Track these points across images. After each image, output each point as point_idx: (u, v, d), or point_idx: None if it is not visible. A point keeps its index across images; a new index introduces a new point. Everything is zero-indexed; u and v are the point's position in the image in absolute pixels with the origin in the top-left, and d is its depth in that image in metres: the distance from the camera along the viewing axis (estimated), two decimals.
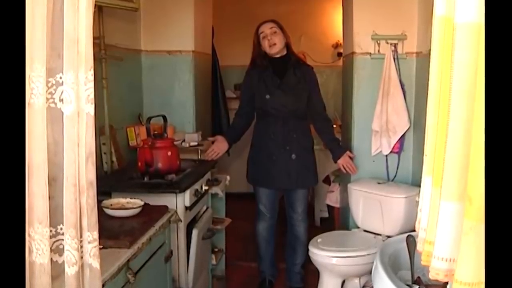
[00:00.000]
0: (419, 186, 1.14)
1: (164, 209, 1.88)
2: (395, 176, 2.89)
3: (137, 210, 1.77)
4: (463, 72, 0.89)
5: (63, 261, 1.10)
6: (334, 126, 3.11)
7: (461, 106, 0.90)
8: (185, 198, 2.08)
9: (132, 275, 1.45)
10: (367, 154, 2.89)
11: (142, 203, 1.81)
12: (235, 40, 4.42)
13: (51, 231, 1.08)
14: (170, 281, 1.94)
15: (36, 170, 1.03)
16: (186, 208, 2.10)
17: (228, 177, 2.81)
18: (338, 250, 2.45)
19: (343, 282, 2.54)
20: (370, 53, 2.85)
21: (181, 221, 2.01)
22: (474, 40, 0.86)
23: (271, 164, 2.65)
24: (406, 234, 1.94)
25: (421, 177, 1.09)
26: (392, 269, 1.77)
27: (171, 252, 1.94)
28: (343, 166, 2.75)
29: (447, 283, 1.01)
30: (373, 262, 1.94)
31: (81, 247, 1.11)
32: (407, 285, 1.72)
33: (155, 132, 2.32)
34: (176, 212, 1.95)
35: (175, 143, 2.37)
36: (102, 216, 1.55)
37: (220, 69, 4.19)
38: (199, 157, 2.86)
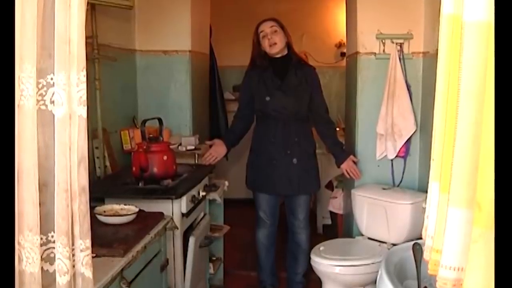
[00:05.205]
0: (426, 191, 1.13)
1: (159, 216, 1.86)
2: (400, 182, 2.86)
3: (132, 217, 1.75)
4: (472, 72, 0.89)
5: (54, 270, 1.09)
6: (337, 129, 3.08)
7: (469, 108, 0.90)
8: (182, 205, 2.06)
9: (127, 285, 1.44)
10: (371, 158, 2.86)
11: (137, 209, 1.79)
12: (234, 39, 4.41)
13: (41, 239, 1.07)
14: None
15: (26, 175, 1.01)
16: (183, 214, 2.08)
17: (226, 183, 2.78)
18: (341, 259, 2.42)
19: None
20: (375, 53, 2.81)
21: (178, 229, 2.00)
22: (483, 39, 0.86)
23: (271, 168, 2.62)
24: (413, 242, 1.91)
25: (428, 183, 1.09)
26: (398, 278, 1.75)
27: (167, 260, 1.92)
28: (346, 171, 2.72)
29: None
30: (378, 271, 1.93)
31: (73, 255, 1.09)
32: None
33: (150, 135, 2.30)
34: (172, 219, 1.93)
35: (171, 147, 2.36)
36: (95, 223, 1.54)
37: (218, 70, 4.17)
38: (196, 161, 2.84)
